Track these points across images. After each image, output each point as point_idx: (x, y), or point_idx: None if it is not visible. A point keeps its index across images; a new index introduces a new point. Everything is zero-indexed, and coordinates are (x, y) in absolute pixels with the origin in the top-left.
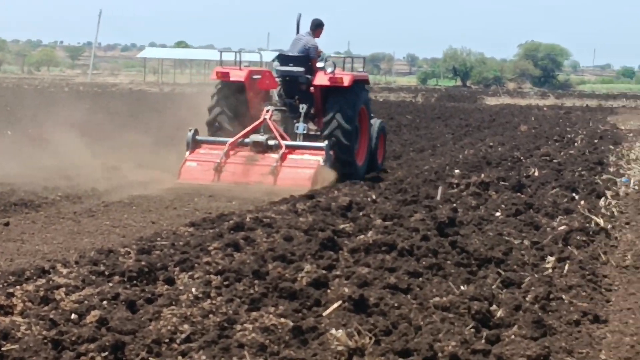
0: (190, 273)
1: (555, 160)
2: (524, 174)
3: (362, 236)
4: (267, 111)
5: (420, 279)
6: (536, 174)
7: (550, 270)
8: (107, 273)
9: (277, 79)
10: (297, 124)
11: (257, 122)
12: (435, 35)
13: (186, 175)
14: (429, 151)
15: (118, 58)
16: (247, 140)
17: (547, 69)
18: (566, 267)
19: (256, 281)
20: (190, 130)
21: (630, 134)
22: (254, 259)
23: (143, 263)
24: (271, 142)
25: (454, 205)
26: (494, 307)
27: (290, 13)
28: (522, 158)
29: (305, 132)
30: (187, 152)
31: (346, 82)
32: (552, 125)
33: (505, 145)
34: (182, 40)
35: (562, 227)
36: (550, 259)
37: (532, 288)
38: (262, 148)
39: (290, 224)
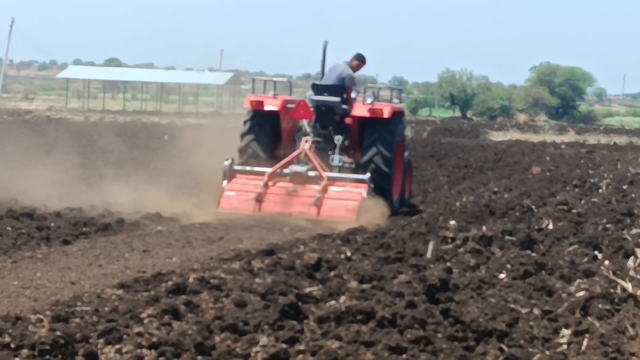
0: (117, 346)
1: (574, 211)
2: (536, 227)
3: (332, 302)
4: (306, 141)
5: (405, 355)
6: (550, 226)
7: (565, 347)
8: (13, 345)
9: (311, 109)
10: (332, 156)
11: (296, 153)
12: (428, 54)
13: (226, 204)
14: (418, 197)
15: (34, 78)
16: (286, 170)
17: (566, 98)
18: (585, 343)
19: (200, 357)
20: (227, 160)
21: None
22: (198, 329)
23: (58, 333)
24: (311, 174)
25: (448, 264)
26: None
27: (247, 28)
28: (533, 207)
29: (341, 164)
30: (225, 182)
31: (386, 113)
32: (571, 167)
33: (513, 191)
34: (114, 57)
35: (581, 293)
36: (566, 332)
37: None
38: (302, 179)
39: (244, 286)
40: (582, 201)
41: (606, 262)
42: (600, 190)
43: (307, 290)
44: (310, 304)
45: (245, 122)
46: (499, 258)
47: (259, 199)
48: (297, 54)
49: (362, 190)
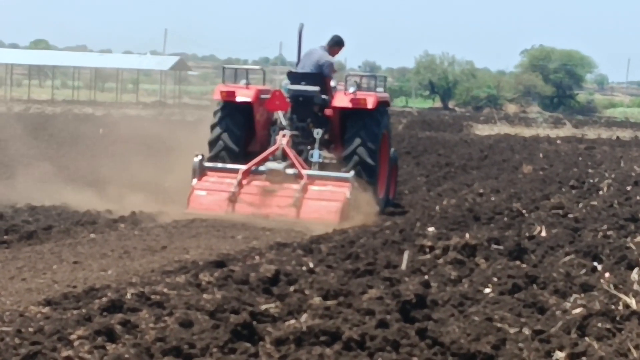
0: None
1: (570, 215)
2: (526, 234)
3: (292, 321)
4: (284, 136)
5: None
6: (543, 234)
7: None
8: None
9: (287, 100)
10: (311, 151)
11: (272, 148)
12: (404, 36)
13: (196, 205)
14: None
15: None
16: (261, 168)
17: (562, 86)
18: None
19: None
20: (197, 156)
21: None
22: (136, 352)
23: None
24: (290, 171)
25: (426, 277)
26: None
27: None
28: (524, 211)
29: (321, 160)
30: (194, 180)
31: (370, 104)
32: (567, 166)
33: (501, 193)
34: (42, 39)
35: (578, 310)
36: (560, 354)
37: None
38: (280, 177)
39: (190, 303)
40: (580, 205)
41: (607, 275)
42: (600, 192)
43: (263, 307)
44: (266, 324)
45: (215, 113)
46: (484, 270)
47: (232, 199)
48: (252, 36)
49: (345, 190)
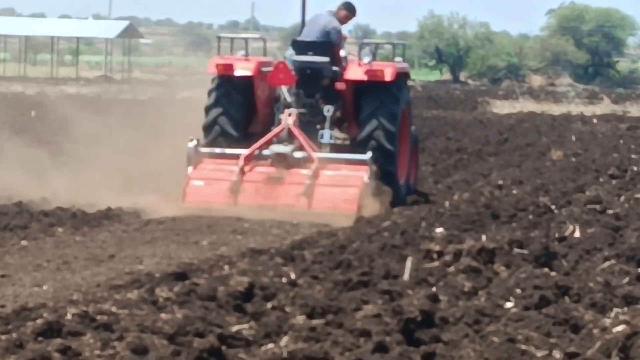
0: None
1: (610, 211)
2: (556, 235)
3: (270, 345)
4: (290, 115)
5: None
6: (577, 234)
7: None
8: None
9: (293, 73)
10: (321, 131)
11: (277, 129)
12: None
13: (193, 197)
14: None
15: None
16: (265, 152)
17: (598, 52)
18: None
19: None
20: (191, 141)
21: None
22: None
23: None
24: (298, 155)
25: (433, 290)
26: None
27: None
28: (553, 207)
29: (332, 141)
30: (190, 169)
31: (388, 76)
32: (606, 151)
33: (525, 185)
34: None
35: (620, 328)
36: None
37: None
38: (287, 162)
39: (144, 325)
40: (622, 198)
41: None
42: None
43: (234, 329)
44: (238, 349)
45: (210, 92)
46: (505, 280)
47: (235, 189)
48: None
49: (363, 174)
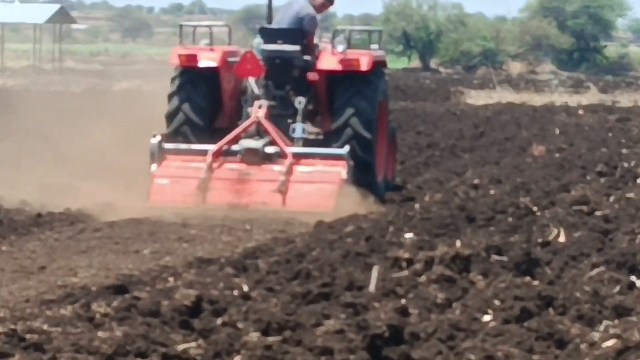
0: None
1: (598, 213)
2: (539, 240)
3: None
4: (260, 107)
5: None
6: (562, 239)
7: None
8: None
9: (261, 63)
10: (292, 125)
11: (247, 123)
12: None
13: (158, 196)
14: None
15: None
16: (235, 147)
17: (584, 36)
18: None
19: None
20: (154, 136)
21: None
22: None
23: None
24: (270, 150)
25: (403, 302)
26: None
27: None
28: (535, 209)
29: (305, 135)
30: (154, 166)
31: (364, 65)
32: (593, 145)
33: (504, 185)
34: None
35: (610, 343)
36: None
37: None
38: (258, 158)
39: (79, 344)
40: (611, 198)
41: None
42: (638, 181)
43: (180, 347)
44: None
45: (173, 80)
46: (482, 290)
47: (203, 187)
48: None
49: (341, 169)
